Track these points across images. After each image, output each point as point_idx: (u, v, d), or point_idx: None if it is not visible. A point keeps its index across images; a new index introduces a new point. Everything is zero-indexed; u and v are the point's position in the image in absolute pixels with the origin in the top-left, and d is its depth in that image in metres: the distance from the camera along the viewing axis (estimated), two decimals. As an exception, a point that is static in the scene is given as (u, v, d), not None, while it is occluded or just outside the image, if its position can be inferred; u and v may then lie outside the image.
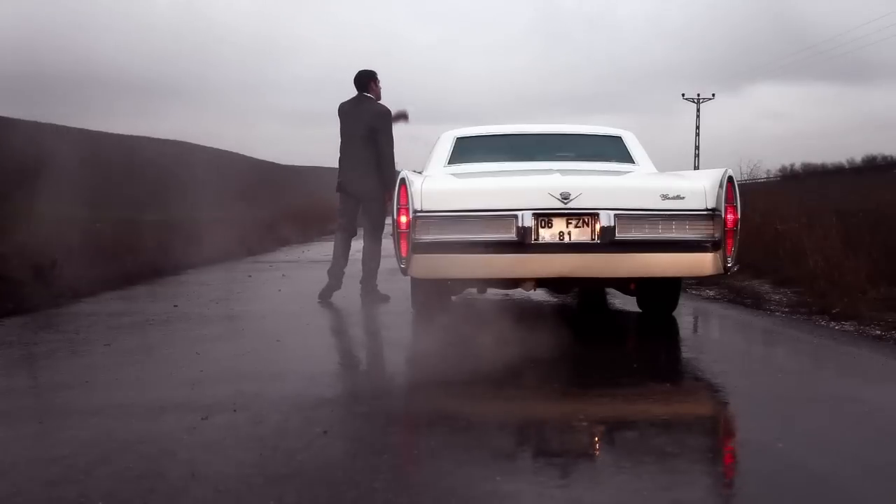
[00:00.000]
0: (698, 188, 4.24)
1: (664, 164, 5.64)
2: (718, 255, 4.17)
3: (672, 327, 4.93)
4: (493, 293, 5.79)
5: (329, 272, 6.07)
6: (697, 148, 44.82)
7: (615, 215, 4.14)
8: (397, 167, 5.90)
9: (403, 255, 4.21)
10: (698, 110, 45.72)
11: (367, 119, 6.04)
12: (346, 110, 6.18)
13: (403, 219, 4.18)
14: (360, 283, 6.08)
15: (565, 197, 4.16)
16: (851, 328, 4.69)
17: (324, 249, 11.23)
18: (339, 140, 6.21)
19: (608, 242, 4.13)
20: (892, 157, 39.39)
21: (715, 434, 2.86)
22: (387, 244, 5.49)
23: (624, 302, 5.72)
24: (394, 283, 5.91)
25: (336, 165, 6.27)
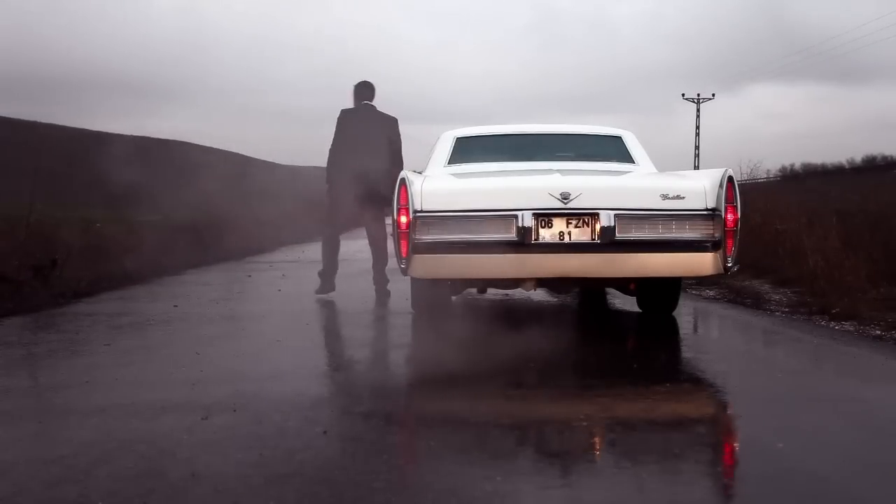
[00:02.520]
0: (698, 188, 4.24)
1: (664, 164, 5.65)
2: (718, 255, 4.16)
3: (672, 327, 4.93)
4: (493, 293, 5.79)
5: (322, 274, 6.12)
6: (697, 148, 44.85)
7: (615, 215, 4.14)
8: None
9: (403, 255, 4.21)
10: (698, 110, 45.74)
11: (385, 129, 6.11)
12: (357, 117, 6.16)
13: (403, 219, 4.18)
14: (374, 267, 6.13)
15: (565, 197, 4.16)
16: (851, 328, 4.68)
17: (324, 249, 11.21)
18: (342, 144, 6.11)
19: (608, 242, 4.13)
20: (892, 157, 39.45)
21: (715, 434, 2.85)
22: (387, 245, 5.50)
23: (624, 302, 5.72)
24: (394, 284, 5.91)
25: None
